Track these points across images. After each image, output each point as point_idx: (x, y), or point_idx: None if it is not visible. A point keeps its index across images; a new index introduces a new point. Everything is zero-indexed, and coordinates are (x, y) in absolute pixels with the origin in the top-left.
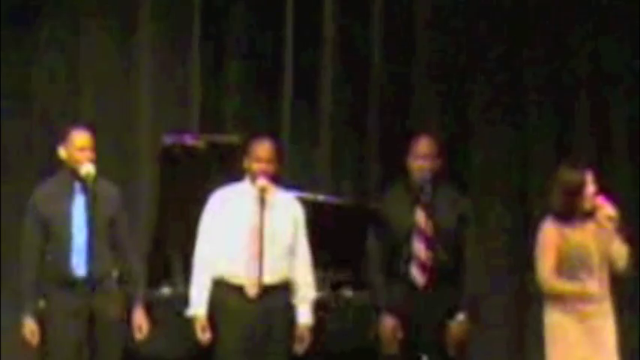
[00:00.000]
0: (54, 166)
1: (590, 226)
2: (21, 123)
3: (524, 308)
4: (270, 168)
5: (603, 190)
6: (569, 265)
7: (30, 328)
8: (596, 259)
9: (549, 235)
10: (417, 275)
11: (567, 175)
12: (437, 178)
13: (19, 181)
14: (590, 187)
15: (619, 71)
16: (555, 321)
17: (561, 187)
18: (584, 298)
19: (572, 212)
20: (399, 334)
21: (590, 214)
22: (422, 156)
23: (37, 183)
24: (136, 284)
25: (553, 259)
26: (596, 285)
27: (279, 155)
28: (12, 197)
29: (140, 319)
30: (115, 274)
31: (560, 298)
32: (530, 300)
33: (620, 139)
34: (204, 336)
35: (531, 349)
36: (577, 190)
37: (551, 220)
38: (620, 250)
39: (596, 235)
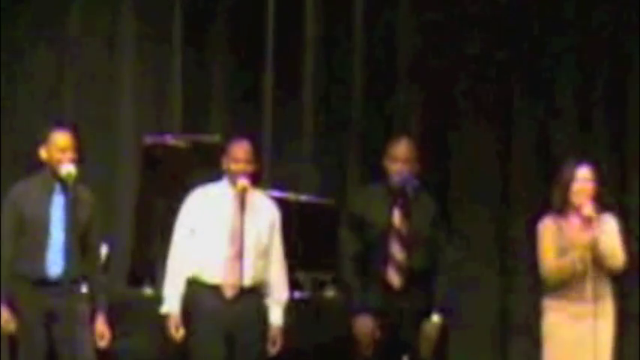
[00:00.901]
0: (35, 166)
1: (588, 224)
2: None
3: (508, 313)
4: (248, 168)
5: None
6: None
7: (4, 316)
8: (589, 258)
9: (546, 228)
10: (393, 276)
11: (562, 170)
12: (414, 181)
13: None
14: (584, 184)
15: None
16: (552, 321)
17: (557, 182)
18: (578, 297)
19: (562, 207)
20: (376, 334)
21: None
22: (401, 159)
23: (14, 182)
24: (100, 290)
25: (552, 248)
26: (588, 283)
27: (257, 156)
28: None
29: (101, 327)
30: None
31: (557, 296)
32: (514, 306)
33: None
34: (177, 333)
35: (515, 351)
36: (566, 185)
37: (549, 215)
38: (609, 249)
39: (596, 234)
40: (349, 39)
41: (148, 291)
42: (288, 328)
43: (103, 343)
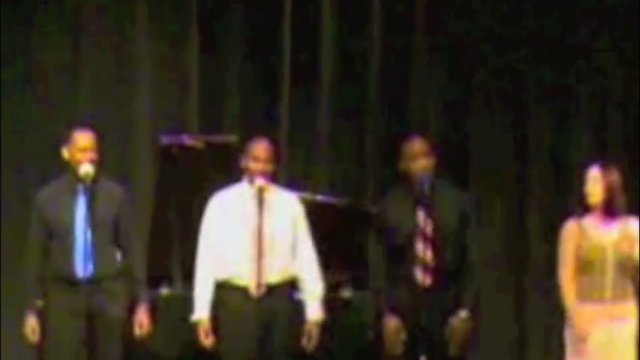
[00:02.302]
0: (53, 169)
1: (611, 226)
2: (18, 125)
3: (523, 307)
4: (268, 167)
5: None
6: (585, 261)
7: (31, 325)
8: (611, 260)
9: (569, 231)
10: (421, 277)
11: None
12: (434, 176)
13: (18, 182)
14: (590, 185)
15: (615, 66)
16: (576, 322)
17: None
18: (600, 298)
19: (583, 207)
20: (402, 336)
21: (614, 214)
22: (418, 155)
23: (36, 183)
24: (138, 283)
25: (571, 256)
26: (610, 285)
27: (276, 155)
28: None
29: (142, 316)
30: (118, 273)
31: (579, 298)
32: (529, 299)
33: (616, 135)
34: (207, 340)
35: (531, 348)
36: (583, 187)
37: (574, 216)
38: (632, 251)
39: (618, 237)
40: (366, 36)
41: (165, 291)
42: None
43: (139, 332)
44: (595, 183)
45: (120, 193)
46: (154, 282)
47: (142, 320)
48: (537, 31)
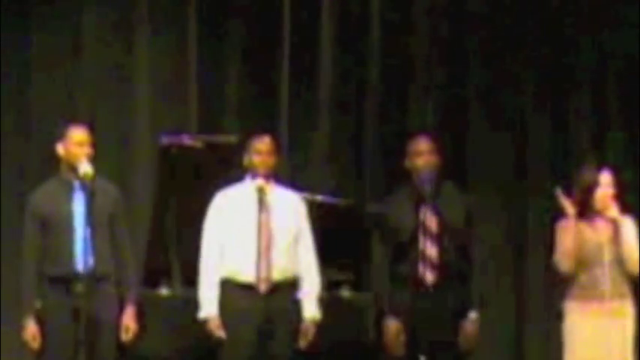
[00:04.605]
0: (53, 166)
1: (604, 226)
2: (17, 126)
3: (523, 307)
4: (270, 160)
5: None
6: (583, 259)
7: (31, 331)
8: (608, 258)
9: (565, 228)
10: (427, 274)
11: (583, 174)
12: (438, 176)
13: (18, 180)
14: (606, 189)
15: (617, 64)
16: (573, 322)
17: (577, 185)
18: (598, 295)
19: (584, 210)
20: (402, 337)
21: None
22: (424, 152)
23: (36, 185)
24: (129, 285)
25: (569, 243)
26: (608, 283)
27: (278, 150)
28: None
29: (128, 320)
30: (113, 274)
31: (577, 297)
32: (528, 298)
33: (616, 138)
34: (220, 333)
35: (530, 347)
36: (588, 189)
37: (569, 217)
38: (630, 253)
39: (610, 235)
40: (365, 38)
41: (164, 291)
42: None
43: (126, 338)
44: (607, 187)
45: (115, 193)
46: (153, 282)
47: (128, 324)
48: (537, 34)
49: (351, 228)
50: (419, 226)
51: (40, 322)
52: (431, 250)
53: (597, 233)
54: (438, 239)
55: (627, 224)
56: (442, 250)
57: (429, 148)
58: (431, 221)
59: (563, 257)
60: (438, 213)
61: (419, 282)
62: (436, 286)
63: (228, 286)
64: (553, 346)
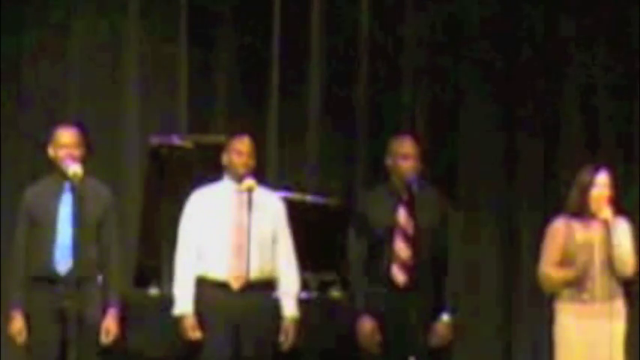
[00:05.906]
0: (45, 170)
1: (597, 227)
2: (7, 126)
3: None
4: (250, 162)
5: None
6: (573, 261)
7: (18, 326)
8: (599, 259)
9: (556, 229)
10: (398, 274)
11: (580, 174)
12: (419, 178)
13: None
14: (602, 190)
15: (608, 78)
16: (564, 323)
17: (574, 185)
18: (588, 296)
19: (579, 210)
20: (377, 337)
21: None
22: (409, 156)
23: (16, 184)
24: (112, 288)
25: (556, 252)
26: (599, 284)
27: (257, 152)
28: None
29: (110, 323)
30: (99, 276)
31: (569, 298)
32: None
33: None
34: (194, 334)
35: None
36: (584, 189)
37: (563, 215)
38: (621, 255)
39: (602, 236)
40: (354, 41)
41: (154, 292)
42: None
43: (106, 340)
44: (603, 188)
45: (107, 195)
46: (143, 282)
47: (108, 327)
48: (529, 37)
49: (340, 228)
50: (395, 226)
51: (27, 320)
52: (405, 251)
53: (590, 234)
54: (413, 241)
55: (620, 226)
56: (416, 252)
57: (414, 151)
58: (406, 222)
59: (546, 280)
60: (413, 215)
61: (391, 282)
62: (408, 287)
63: (202, 284)
64: (543, 348)
